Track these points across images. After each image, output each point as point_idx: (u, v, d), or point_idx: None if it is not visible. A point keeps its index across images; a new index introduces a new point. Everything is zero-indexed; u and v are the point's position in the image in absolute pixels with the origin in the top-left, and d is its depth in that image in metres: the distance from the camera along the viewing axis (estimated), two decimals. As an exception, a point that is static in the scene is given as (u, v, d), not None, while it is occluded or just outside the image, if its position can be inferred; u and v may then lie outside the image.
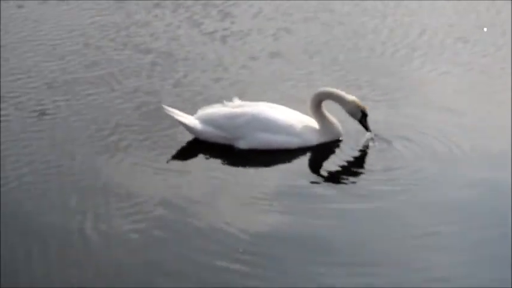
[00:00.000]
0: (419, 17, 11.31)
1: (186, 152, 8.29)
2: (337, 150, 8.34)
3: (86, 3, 11.45)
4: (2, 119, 8.65)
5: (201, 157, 8.24)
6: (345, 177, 7.97)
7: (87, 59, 10.03)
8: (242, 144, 8.28)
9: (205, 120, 8.28)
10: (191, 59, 10.10)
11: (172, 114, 8.28)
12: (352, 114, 8.37)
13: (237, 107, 8.35)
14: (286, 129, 8.28)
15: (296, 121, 8.36)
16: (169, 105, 8.39)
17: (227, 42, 10.56)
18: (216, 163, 8.15)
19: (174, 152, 8.23)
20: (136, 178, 7.74)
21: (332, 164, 8.19)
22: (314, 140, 8.38)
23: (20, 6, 11.38)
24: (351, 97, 8.31)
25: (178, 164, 8.08)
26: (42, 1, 11.54)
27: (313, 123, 8.42)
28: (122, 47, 10.35)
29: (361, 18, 11.24)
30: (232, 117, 8.24)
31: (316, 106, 8.34)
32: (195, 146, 8.34)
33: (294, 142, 8.32)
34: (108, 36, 10.63)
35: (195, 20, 11.12)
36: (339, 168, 8.11)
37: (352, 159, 8.23)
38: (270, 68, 9.91)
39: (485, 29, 10.88)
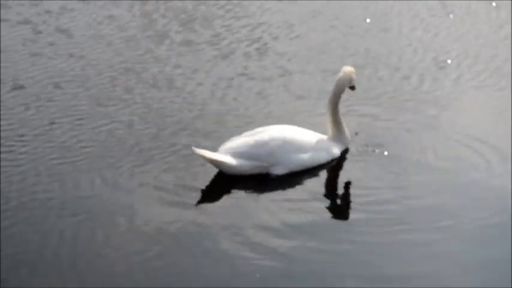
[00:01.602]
0: (469, 48, 10.97)
1: (220, 188, 8.22)
2: (349, 167, 8.53)
3: (119, 45, 11.04)
4: (49, 165, 8.50)
5: (232, 191, 8.18)
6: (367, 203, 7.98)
7: (117, 97, 9.75)
8: (279, 170, 8.24)
9: (235, 154, 8.16)
10: (229, 98, 9.76)
11: (203, 154, 8.10)
12: (351, 85, 8.63)
13: (253, 134, 8.29)
14: (315, 146, 8.37)
15: (317, 137, 8.49)
16: (208, 146, 8.31)
17: (270, 81, 10.18)
18: (244, 194, 8.13)
19: (205, 189, 8.17)
20: (164, 214, 7.76)
21: (354, 184, 8.31)
22: (338, 151, 8.55)
23: (52, 44, 11.08)
24: (346, 69, 8.52)
25: (209, 199, 8.04)
26: (72, 34, 11.20)
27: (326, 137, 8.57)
28: (153, 86, 9.98)
29: (404, 52, 10.90)
30: (261, 145, 8.18)
31: (336, 108, 8.49)
32: (226, 181, 8.27)
33: (324, 157, 8.44)
34: (138, 75, 10.27)
35: (233, 58, 10.70)
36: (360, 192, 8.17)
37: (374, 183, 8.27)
38: (317, 108, 9.48)
39: None
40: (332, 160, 8.55)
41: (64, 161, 8.52)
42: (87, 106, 9.54)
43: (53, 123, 9.18)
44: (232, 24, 11.55)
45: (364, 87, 9.87)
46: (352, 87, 8.71)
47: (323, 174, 8.46)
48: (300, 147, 8.30)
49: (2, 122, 9.17)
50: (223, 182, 8.28)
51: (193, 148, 8.13)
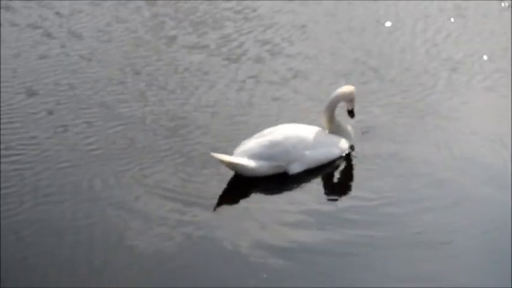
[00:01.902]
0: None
1: (232, 191, 8.23)
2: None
3: (130, 47, 10.93)
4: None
5: (244, 194, 8.20)
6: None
7: (128, 100, 9.67)
8: (296, 168, 8.31)
9: (252, 156, 8.19)
10: (241, 100, 9.68)
11: (221, 158, 8.10)
12: (352, 105, 8.72)
13: (264, 135, 8.34)
14: (327, 142, 8.51)
15: (325, 133, 8.61)
16: (220, 149, 8.40)
17: (282, 83, 10.08)
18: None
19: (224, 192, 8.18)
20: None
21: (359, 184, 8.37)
22: (347, 146, 8.67)
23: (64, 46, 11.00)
24: (345, 90, 8.60)
25: (221, 201, 8.03)
26: (82, 37, 11.10)
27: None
28: (164, 89, 9.91)
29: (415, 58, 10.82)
30: (276, 144, 8.24)
31: (332, 115, 8.60)
32: (238, 184, 8.28)
33: (336, 153, 8.56)
34: (148, 78, 10.17)
35: (245, 60, 10.59)
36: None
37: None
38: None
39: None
40: (341, 156, 8.64)
41: (75, 163, 8.48)
42: (98, 109, 9.46)
43: (64, 126, 9.12)
44: (244, 26, 11.46)
45: (376, 89, 9.85)
46: (351, 113, 8.77)
47: (330, 182, 8.46)
48: (313, 144, 8.39)
49: (15, 125, 9.13)
50: (236, 185, 8.27)
51: (211, 153, 8.11)
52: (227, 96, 9.76)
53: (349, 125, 8.79)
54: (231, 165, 8.19)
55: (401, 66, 10.45)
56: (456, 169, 8.47)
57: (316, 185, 8.35)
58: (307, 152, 8.34)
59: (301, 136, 8.36)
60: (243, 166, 8.16)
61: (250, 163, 8.16)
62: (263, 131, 8.46)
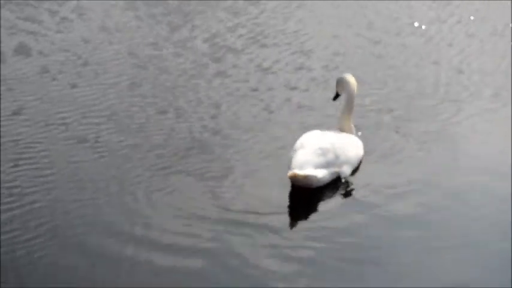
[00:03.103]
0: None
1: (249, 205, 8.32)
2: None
3: (155, 73, 10.83)
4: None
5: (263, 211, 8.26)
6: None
7: (178, 128, 9.64)
8: (347, 171, 8.67)
9: (315, 165, 8.42)
10: (276, 121, 9.73)
11: (298, 174, 8.31)
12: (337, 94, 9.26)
13: (306, 146, 8.53)
14: (353, 142, 8.90)
15: (345, 134, 8.98)
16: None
17: (320, 110, 10.03)
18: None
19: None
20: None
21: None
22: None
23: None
24: (350, 78, 9.08)
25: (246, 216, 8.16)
26: (106, 62, 10.99)
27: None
28: (197, 105, 10.00)
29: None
30: (328, 151, 8.51)
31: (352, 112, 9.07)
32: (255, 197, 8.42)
33: (362, 151, 8.98)
34: (176, 100, 10.16)
35: (277, 76, 10.67)
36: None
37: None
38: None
39: None
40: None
41: (106, 191, 8.52)
42: (130, 134, 9.43)
43: (103, 151, 9.13)
44: (276, 50, 11.43)
45: (407, 115, 9.93)
46: (337, 97, 9.19)
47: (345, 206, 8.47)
48: (349, 145, 8.77)
49: (44, 153, 9.07)
50: (278, 199, 8.42)
51: (290, 171, 8.27)
52: (258, 116, 9.84)
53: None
54: (303, 179, 8.34)
55: (436, 92, 10.42)
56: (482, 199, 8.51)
57: (322, 210, 8.45)
58: (350, 154, 8.71)
59: (340, 140, 8.70)
60: (314, 177, 8.38)
61: (318, 173, 8.42)
62: (296, 143, 8.63)
